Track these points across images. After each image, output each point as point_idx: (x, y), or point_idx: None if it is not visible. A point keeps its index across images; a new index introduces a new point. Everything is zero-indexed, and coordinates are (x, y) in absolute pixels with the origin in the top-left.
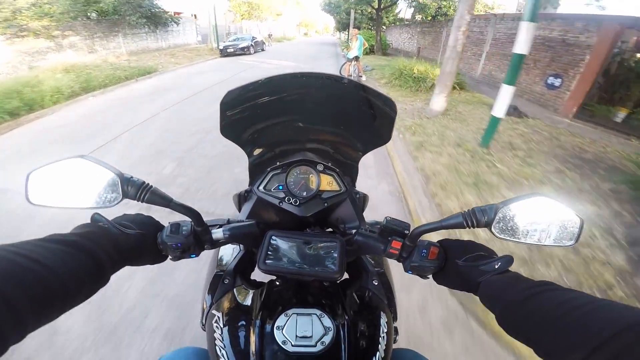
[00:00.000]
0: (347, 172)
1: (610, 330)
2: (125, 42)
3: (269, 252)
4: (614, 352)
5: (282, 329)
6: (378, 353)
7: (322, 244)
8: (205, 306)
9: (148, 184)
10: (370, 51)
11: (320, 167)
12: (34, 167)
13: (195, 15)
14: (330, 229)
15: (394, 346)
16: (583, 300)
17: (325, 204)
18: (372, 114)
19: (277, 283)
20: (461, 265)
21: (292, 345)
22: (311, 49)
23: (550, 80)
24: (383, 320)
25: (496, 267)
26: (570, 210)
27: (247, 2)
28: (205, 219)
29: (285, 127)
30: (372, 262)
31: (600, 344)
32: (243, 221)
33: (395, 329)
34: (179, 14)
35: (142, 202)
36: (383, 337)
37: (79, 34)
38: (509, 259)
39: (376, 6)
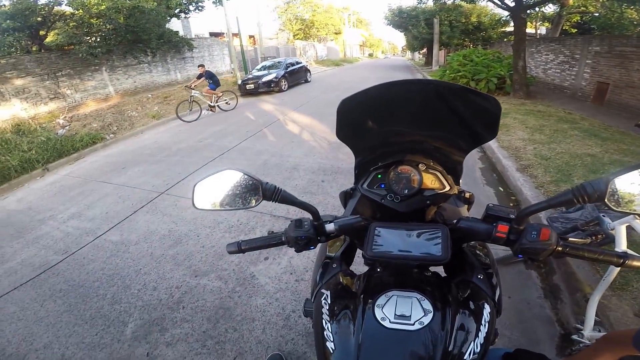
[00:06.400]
0: (452, 170)
1: None
2: (114, 78)
3: (375, 242)
4: None
5: (382, 308)
6: (475, 341)
7: (425, 232)
8: (314, 286)
9: (279, 188)
10: (498, 87)
11: (422, 166)
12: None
13: (225, 35)
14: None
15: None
16: None
17: (427, 202)
18: (473, 113)
19: (379, 270)
20: None
21: (390, 322)
22: (377, 76)
23: None
24: (486, 311)
25: None
26: None
27: (299, 18)
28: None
29: (388, 131)
30: (479, 257)
31: None
32: (350, 217)
33: (495, 330)
34: (221, 36)
35: (275, 202)
36: (484, 325)
37: (30, 72)
38: None
39: (512, 3)
